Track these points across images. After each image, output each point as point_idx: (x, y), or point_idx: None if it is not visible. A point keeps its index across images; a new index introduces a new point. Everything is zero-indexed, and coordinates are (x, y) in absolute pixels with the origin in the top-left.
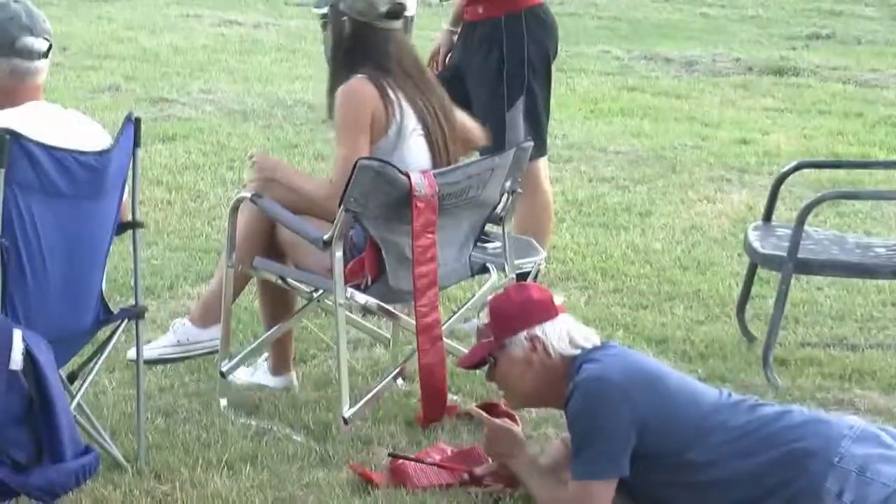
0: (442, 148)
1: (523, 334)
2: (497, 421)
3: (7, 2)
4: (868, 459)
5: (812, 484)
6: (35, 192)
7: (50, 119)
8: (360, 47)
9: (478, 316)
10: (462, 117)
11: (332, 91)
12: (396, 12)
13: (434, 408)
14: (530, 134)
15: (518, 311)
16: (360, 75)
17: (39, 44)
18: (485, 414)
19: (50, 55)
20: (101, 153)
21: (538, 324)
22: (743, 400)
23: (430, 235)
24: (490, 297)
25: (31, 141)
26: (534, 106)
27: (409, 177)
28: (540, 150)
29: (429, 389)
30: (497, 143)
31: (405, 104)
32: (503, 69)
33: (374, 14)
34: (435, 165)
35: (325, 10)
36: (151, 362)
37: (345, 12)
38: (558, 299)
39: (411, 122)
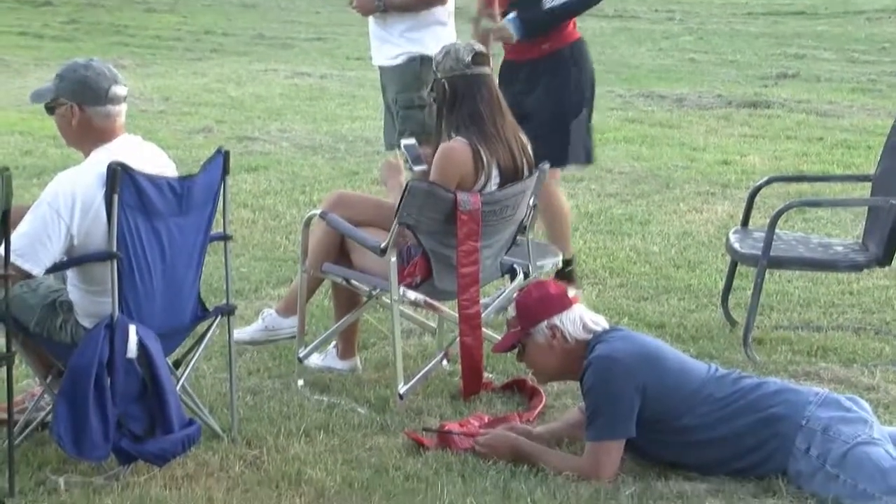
0: (511, 177)
1: (544, 324)
2: (485, 437)
3: (88, 61)
4: (830, 421)
5: (784, 442)
6: (138, 211)
7: (135, 149)
8: (460, 98)
9: (507, 309)
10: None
11: (437, 143)
12: (481, 57)
13: (473, 383)
14: (587, 143)
15: (539, 304)
16: (461, 139)
17: (122, 90)
18: (479, 441)
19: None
20: (184, 178)
21: (556, 314)
22: (728, 373)
23: (473, 243)
24: (516, 294)
25: (135, 170)
26: (588, 119)
27: (455, 195)
28: (589, 157)
29: (469, 368)
30: (561, 154)
31: (492, 164)
32: (569, 89)
33: (464, 64)
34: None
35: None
36: (245, 343)
37: (441, 77)
38: (571, 292)
39: (493, 175)
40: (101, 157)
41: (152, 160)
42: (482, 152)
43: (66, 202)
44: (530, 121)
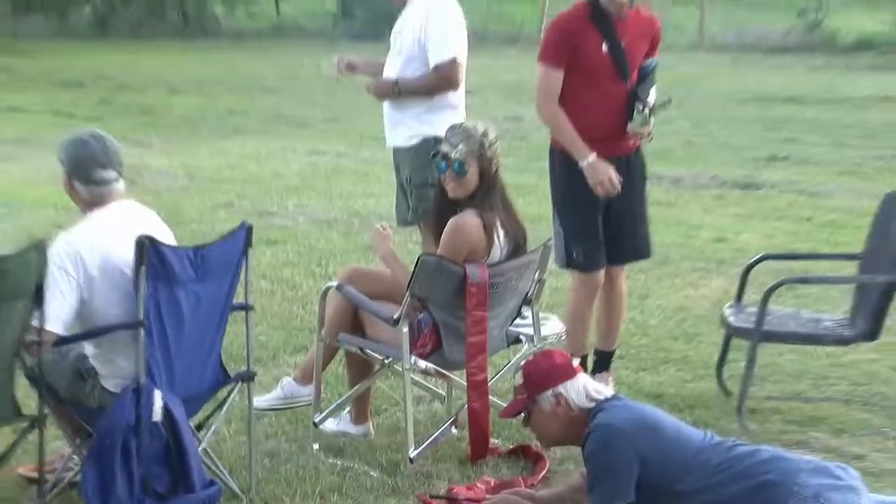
0: (514, 248)
1: (549, 392)
2: (491, 501)
3: (90, 138)
4: (821, 488)
5: None
6: (161, 280)
7: (129, 213)
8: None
9: (513, 377)
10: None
11: (443, 216)
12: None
13: (480, 448)
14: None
15: (544, 373)
16: (472, 211)
17: (109, 174)
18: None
19: (122, 176)
20: (199, 248)
21: (561, 383)
22: (723, 441)
23: (481, 312)
24: (522, 363)
25: (160, 242)
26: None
27: (465, 268)
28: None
29: (476, 434)
30: (648, 246)
31: (501, 235)
32: (645, 184)
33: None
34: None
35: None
36: (264, 410)
37: (491, 156)
38: (575, 362)
39: (500, 246)
40: (96, 215)
41: (146, 224)
42: (493, 226)
43: (69, 258)
44: (620, 215)
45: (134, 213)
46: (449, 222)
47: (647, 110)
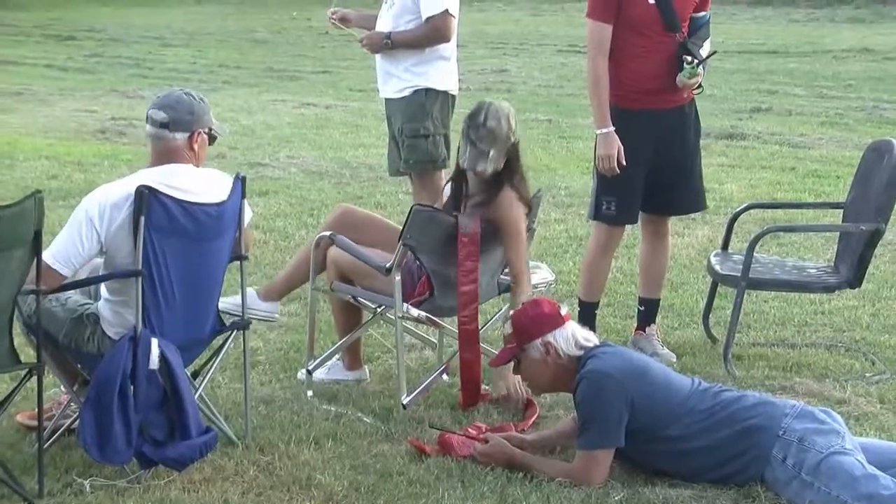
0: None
1: (539, 341)
2: (482, 446)
3: (174, 90)
4: (805, 432)
5: (762, 452)
6: (167, 234)
7: (178, 175)
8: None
9: (502, 326)
10: None
11: (496, 194)
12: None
13: (471, 395)
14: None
15: (533, 322)
16: (511, 193)
17: (156, 113)
18: (476, 444)
19: (173, 129)
20: (218, 204)
21: (550, 332)
22: (710, 387)
23: (472, 262)
24: (512, 312)
25: (164, 195)
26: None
27: (457, 218)
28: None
29: (467, 381)
30: (702, 198)
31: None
32: (699, 134)
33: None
34: None
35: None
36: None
37: (515, 140)
38: (564, 310)
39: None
40: (143, 175)
41: (198, 188)
42: (528, 194)
43: (99, 211)
44: (674, 167)
45: (186, 177)
46: (505, 218)
47: (695, 62)
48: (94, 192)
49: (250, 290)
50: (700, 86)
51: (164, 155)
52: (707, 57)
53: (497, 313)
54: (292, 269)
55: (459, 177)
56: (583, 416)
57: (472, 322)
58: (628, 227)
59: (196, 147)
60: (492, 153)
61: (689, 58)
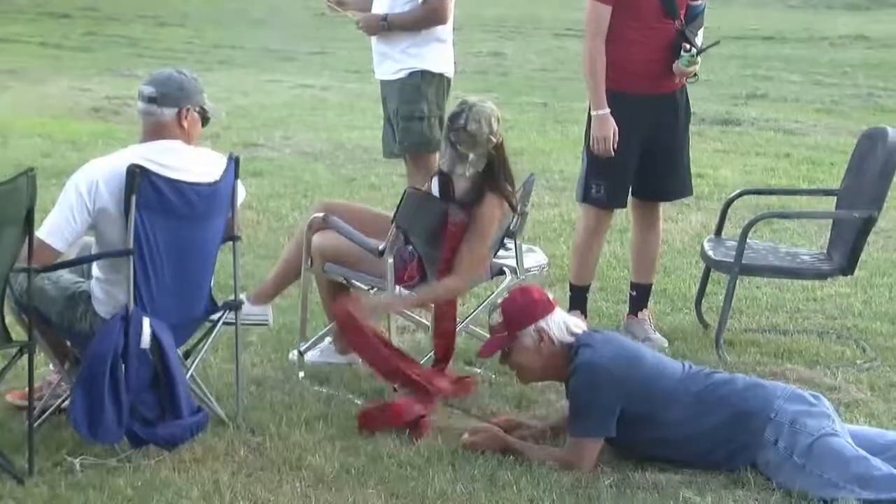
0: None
1: (532, 328)
2: (473, 437)
3: (167, 68)
4: (797, 414)
5: (754, 435)
6: (158, 213)
7: (170, 153)
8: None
9: (490, 316)
10: None
11: (479, 195)
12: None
13: (445, 347)
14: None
15: (524, 309)
16: (492, 195)
17: (144, 88)
18: (466, 435)
19: (161, 104)
20: (211, 184)
21: (542, 318)
22: (700, 369)
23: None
24: (500, 300)
25: (155, 174)
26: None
27: (447, 206)
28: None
29: (441, 328)
30: (689, 184)
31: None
32: (689, 121)
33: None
34: None
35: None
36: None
37: (497, 141)
38: (551, 295)
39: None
40: (133, 151)
41: (190, 167)
42: (513, 203)
43: (88, 185)
44: (664, 152)
45: (177, 156)
46: (479, 214)
47: (693, 50)
48: (84, 167)
49: (242, 296)
50: (695, 75)
51: (153, 131)
52: (708, 47)
53: (490, 296)
54: (281, 269)
55: (445, 174)
56: (575, 406)
57: (452, 309)
58: (621, 213)
59: (186, 124)
60: (471, 157)
61: (688, 46)
